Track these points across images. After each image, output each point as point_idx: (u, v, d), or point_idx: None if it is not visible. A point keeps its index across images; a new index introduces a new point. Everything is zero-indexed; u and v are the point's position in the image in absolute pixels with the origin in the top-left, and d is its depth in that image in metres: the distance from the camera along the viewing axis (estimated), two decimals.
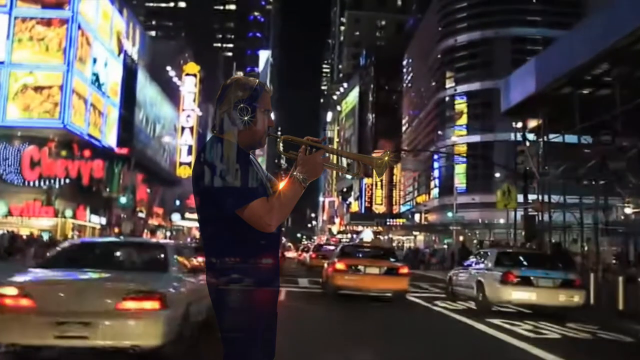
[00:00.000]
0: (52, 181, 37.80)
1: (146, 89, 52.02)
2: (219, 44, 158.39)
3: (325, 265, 15.69)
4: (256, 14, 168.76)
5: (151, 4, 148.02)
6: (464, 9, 50.85)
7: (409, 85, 73.57)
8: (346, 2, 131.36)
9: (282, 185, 2.70)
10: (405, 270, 13.90)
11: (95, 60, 40.04)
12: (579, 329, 10.09)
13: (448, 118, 52.11)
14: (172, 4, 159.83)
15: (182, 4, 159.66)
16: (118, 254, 7.75)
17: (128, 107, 47.10)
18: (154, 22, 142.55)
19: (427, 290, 18.32)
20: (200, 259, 11.85)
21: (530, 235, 19.73)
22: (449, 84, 51.64)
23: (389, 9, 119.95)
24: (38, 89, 36.27)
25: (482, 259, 13.10)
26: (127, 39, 53.78)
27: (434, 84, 55.25)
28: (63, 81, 36.27)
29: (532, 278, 11.39)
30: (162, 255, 7.43)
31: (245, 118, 2.66)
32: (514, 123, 22.71)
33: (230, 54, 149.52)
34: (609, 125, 15.41)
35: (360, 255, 14.82)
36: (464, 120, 50.34)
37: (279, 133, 2.78)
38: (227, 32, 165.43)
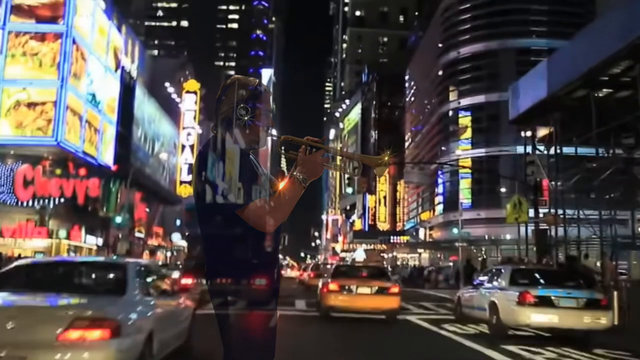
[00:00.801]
0: (46, 201, 36.86)
1: (144, 106, 51.19)
2: (222, 62, 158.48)
3: (320, 285, 15.80)
4: (259, 32, 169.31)
5: (153, 23, 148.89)
6: (467, 20, 50.02)
7: (412, 99, 72.69)
8: (348, 19, 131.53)
9: (282, 185, 2.72)
10: (396, 289, 14.20)
11: (92, 81, 39.19)
12: (610, 356, 8.89)
13: (452, 132, 51.06)
14: (174, 23, 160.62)
15: (185, 23, 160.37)
16: (71, 275, 6.74)
17: (125, 124, 46.22)
18: (156, 42, 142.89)
19: (433, 311, 17.05)
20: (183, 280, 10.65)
21: (542, 251, 18.55)
22: (453, 97, 50.66)
23: (391, 26, 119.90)
24: (31, 105, 35.39)
25: (495, 277, 11.85)
26: (126, 56, 53.16)
27: (436, 98, 54.28)
28: (57, 97, 35.39)
29: (552, 298, 10.10)
30: (121, 276, 6.42)
31: (245, 118, 2.71)
32: (522, 132, 21.51)
33: (232, 72, 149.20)
34: (631, 128, 14.22)
35: (352, 275, 15.16)
36: (468, 134, 49.29)
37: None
38: (229, 50, 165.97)
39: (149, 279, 7.15)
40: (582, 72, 14.78)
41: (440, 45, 53.34)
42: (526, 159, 20.75)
